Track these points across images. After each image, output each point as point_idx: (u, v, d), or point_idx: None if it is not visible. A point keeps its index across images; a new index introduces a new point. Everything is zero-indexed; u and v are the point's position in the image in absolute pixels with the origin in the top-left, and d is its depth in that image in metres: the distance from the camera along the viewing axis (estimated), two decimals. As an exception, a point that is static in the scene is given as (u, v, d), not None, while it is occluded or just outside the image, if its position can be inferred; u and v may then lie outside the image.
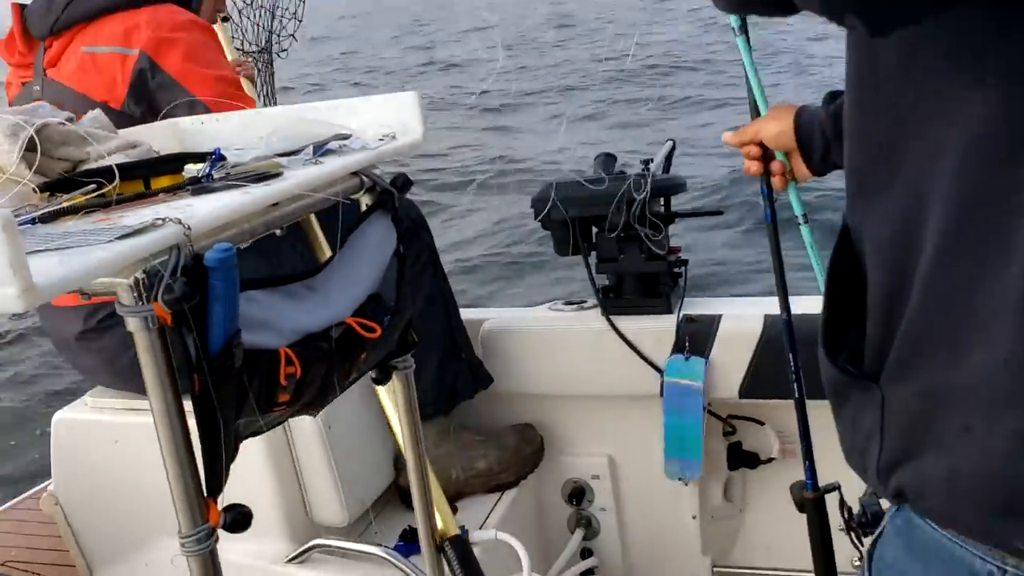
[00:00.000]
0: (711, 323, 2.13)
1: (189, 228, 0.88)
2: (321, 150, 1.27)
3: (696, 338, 2.10)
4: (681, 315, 2.16)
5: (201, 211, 0.94)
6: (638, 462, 2.30)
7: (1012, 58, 0.60)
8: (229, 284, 0.88)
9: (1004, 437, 0.64)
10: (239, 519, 0.92)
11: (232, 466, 0.94)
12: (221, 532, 0.93)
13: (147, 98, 1.82)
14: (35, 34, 1.90)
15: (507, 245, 4.95)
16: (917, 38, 0.65)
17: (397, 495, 2.15)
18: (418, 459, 1.39)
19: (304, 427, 1.90)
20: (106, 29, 1.84)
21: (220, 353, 0.89)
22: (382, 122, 1.40)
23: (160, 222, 0.88)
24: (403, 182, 1.32)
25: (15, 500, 2.77)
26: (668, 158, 2.46)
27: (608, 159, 2.43)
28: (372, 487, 2.07)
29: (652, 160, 2.37)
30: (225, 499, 0.94)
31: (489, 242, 4.82)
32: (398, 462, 2.13)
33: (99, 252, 0.81)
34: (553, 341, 2.26)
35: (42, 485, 2.80)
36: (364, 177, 1.27)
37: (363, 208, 1.27)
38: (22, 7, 1.91)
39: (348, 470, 1.96)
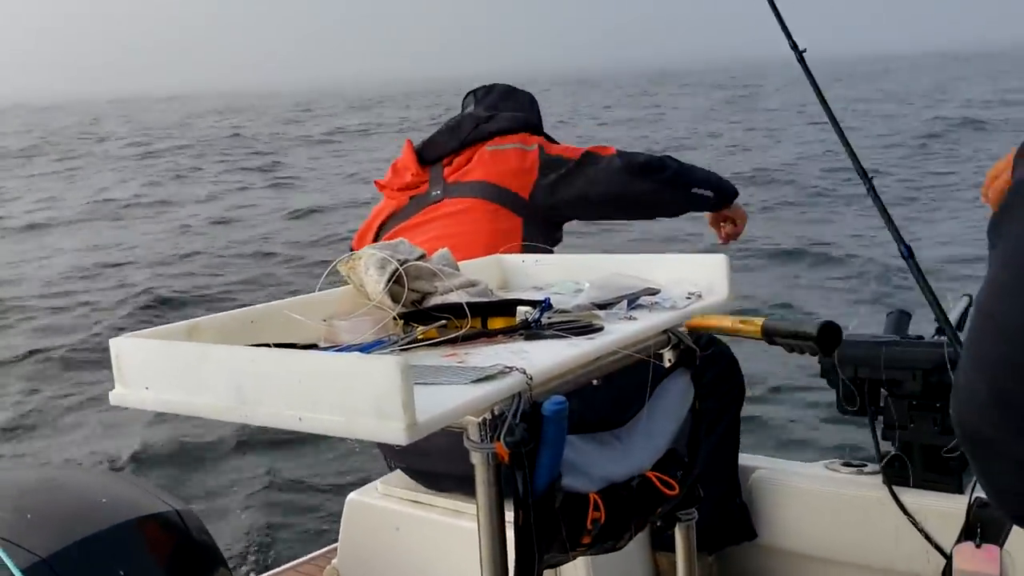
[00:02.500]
0: None
1: (531, 378, 1.00)
2: (633, 304, 1.38)
3: (990, 526, 1.94)
4: (974, 497, 2.01)
5: (538, 361, 1.06)
6: (910, 647, 2.13)
7: None
8: (559, 433, 0.99)
9: None
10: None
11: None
12: None
13: (551, 179, 2.16)
14: (431, 157, 2.26)
15: (776, 391, 4.85)
16: None
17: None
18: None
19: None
20: (503, 140, 2.22)
21: (544, 493, 0.99)
22: (689, 280, 1.49)
23: (507, 370, 1.01)
24: (707, 341, 1.39)
25: (297, 561, 3.05)
26: (964, 316, 2.34)
27: (902, 317, 2.35)
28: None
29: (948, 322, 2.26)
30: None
31: (761, 386, 4.77)
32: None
33: (463, 393, 0.95)
34: (827, 501, 2.18)
35: (320, 551, 3.08)
36: (671, 334, 1.35)
37: (667, 363, 1.35)
38: (415, 145, 2.31)
39: None
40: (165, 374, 1.02)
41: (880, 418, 2.14)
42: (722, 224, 2.43)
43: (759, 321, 1.89)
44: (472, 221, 2.13)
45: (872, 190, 2.14)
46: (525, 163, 2.16)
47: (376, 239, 2.20)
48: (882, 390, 2.17)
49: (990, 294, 0.72)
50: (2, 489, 1.87)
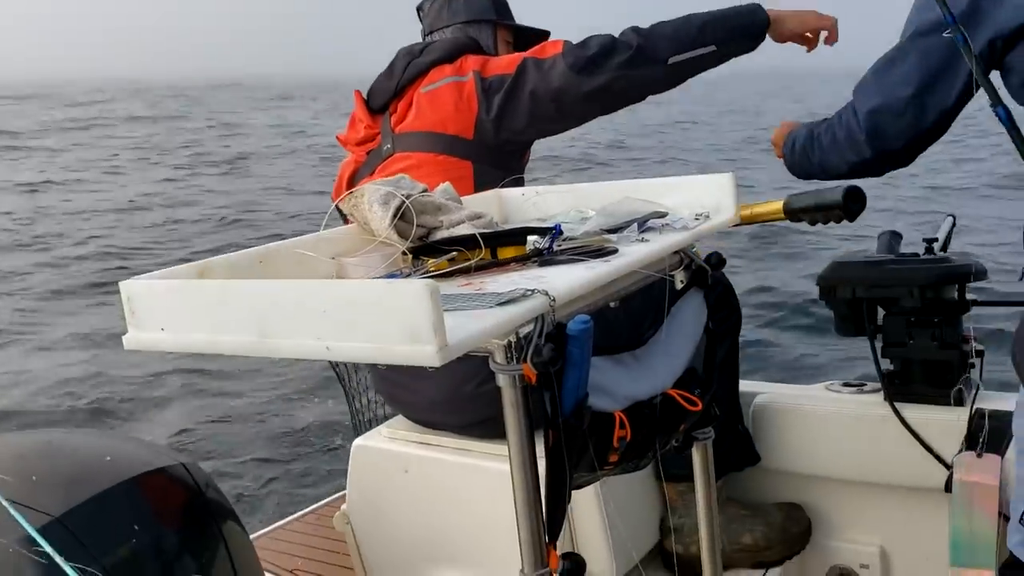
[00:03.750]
0: (1008, 420, 2.00)
1: (554, 300, 0.99)
2: (643, 227, 1.37)
3: (991, 435, 1.98)
4: (974, 409, 2.05)
5: (558, 284, 1.05)
6: (914, 558, 2.19)
7: None
8: (585, 352, 0.99)
9: None
10: (574, 568, 1.01)
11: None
12: None
13: (494, 109, 2.00)
14: (377, 104, 2.18)
15: (779, 315, 4.90)
16: None
17: (659, 558, 2.19)
18: (711, 528, 1.43)
19: (580, 481, 2.00)
20: (438, 74, 2.09)
21: (572, 413, 0.99)
22: (697, 201, 1.48)
23: (529, 292, 1.00)
24: (717, 260, 1.38)
25: (306, 511, 3.07)
26: (949, 235, 2.36)
27: (894, 237, 2.37)
28: (639, 547, 2.12)
29: (936, 239, 2.28)
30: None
31: (761, 313, 4.81)
32: (663, 524, 2.17)
33: (486, 317, 0.94)
34: (829, 422, 2.21)
35: (328, 499, 3.10)
36: (683, 255, 1.35)
37: (679, 284, 1.35)
38: (363, 94, 2.22)
39: (619, 525, 2.02)
40: (182, 314, 1.00)
41: (879, 336, 2.16)
42: (805, 39, 2.05)
43: (780, 203, 1.92)
44: (422, 177, 2.00)
45: None
46: (462, 99, 2.02)
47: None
48: (879, 309, 2.19)
49: None
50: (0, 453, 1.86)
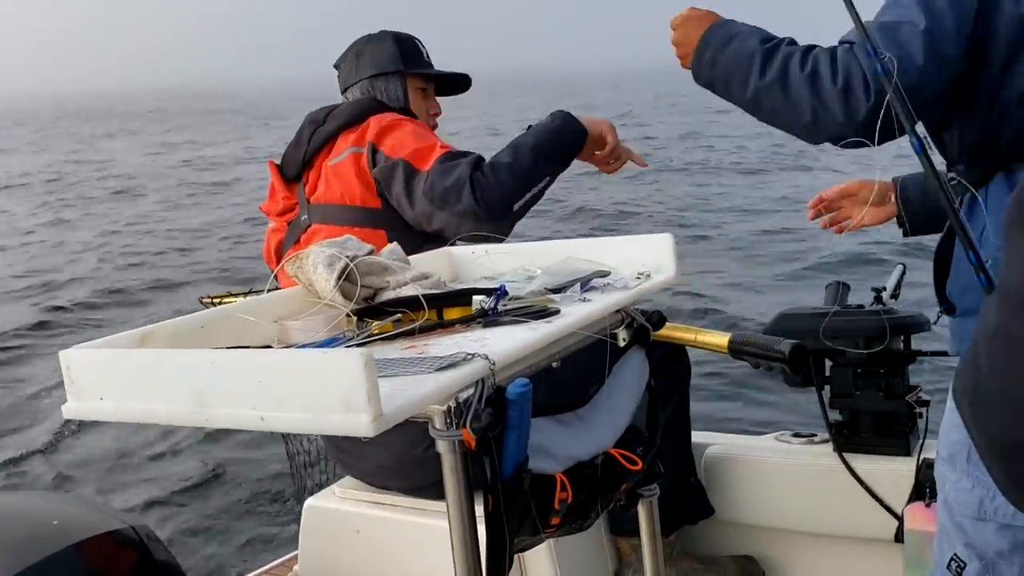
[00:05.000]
0: None
1: (494, 364, 1.00)
2: (586, 287, 1.39)
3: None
4: (921, 459, 2.08)
5: (499, 347, 1.06)
6: (867, 608, 2.20)
7: None
8: (524, 415, 1.00)
9: None
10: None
11: None
12: None
13: (388, 188, 1.99)
14: (291, 175, 2.18)
15: (727, 366, 4.96)
16: None
17: (615, 614, 2.17)
18: (659, 586, 1.43)
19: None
20: (341, 143, 2.10)
21: (512, 477, 0.99)
22: (638, 260, 1.51)
23: (469, 356, 1.01)
24: (658, 319, 1.41)
25: (257, 571, 3.00)
26: (899, 284, 2.41)
27: (841, 287, 2.41)
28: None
29: (884, 289, 2.33)
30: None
31: (710, 364, 4.86)
32: (617, 581, 2.16)
33: (425, 383, 0.95)
34: (780, 473, 2.23)
35: (280, 560, 3.04)
36: (624, 313, 1.37)
37: (621, 343, 1.37)
38: (277, 164, 2.23)
39: None
40: (121, 383, 0.99)
41: (827, 387, 2.20)
42: (605, 164, 2.09)
43: (726, 337, 1.91)
44: None
45: None
46: (361, 171, 2.03)
47: (278, 263, 2.12)
48: (827, 360, 2.23)
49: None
50: None
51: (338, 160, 2.08)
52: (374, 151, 2.02)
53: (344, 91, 2.28)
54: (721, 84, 1.54)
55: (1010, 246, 0.67)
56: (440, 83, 2.32)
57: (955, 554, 1.43)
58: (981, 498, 1.35)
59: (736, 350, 1.88)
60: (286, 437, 2.73)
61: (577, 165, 2.09)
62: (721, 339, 1.91)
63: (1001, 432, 0.67)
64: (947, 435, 1.43)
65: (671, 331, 1.89)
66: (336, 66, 2.33)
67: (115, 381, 1.00)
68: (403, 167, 1.97)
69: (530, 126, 2.04)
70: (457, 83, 2.35)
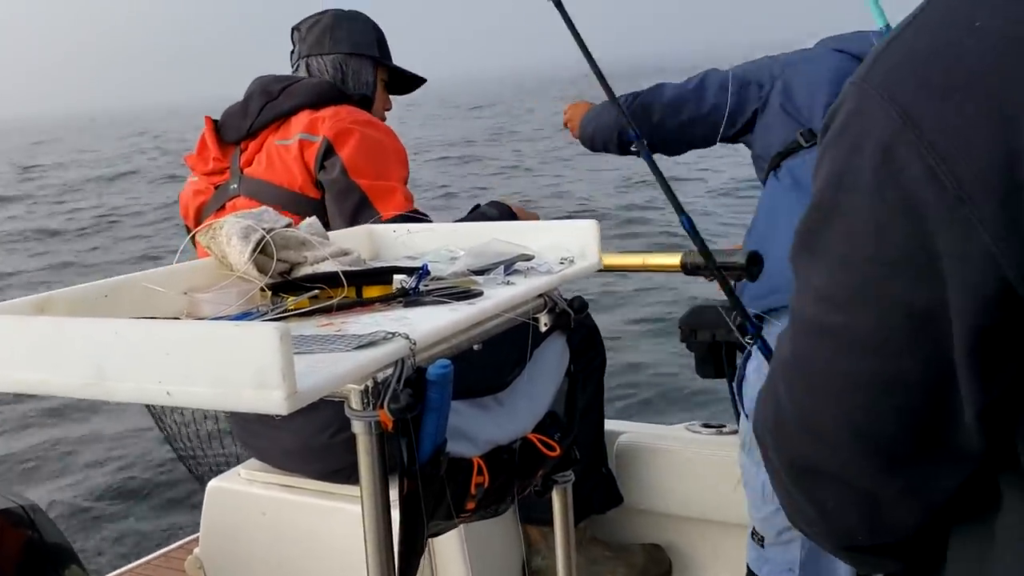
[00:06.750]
0: None
1: (415, 343, 0.98)
2: (510, 270, 1.38)
3: None
4: None
5: (420, 327, 1.04)
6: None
7: None
8: (444, 397, 0.97)
9: None
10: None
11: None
12: None
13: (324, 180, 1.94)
14: (229, 139, 2.07)
15: (640, 360, 5.05)
16: None
17: (523, 600, 2.18)
18: (569, 571, 1.43)
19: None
20: (295, 125, 2.00)
21: (429, 460, 0.97)
22: (562, 246, 1.50)
23: (389, 335, 0.98)
24: (579, 305, 1.40)
25: (155, 554, 2.91)
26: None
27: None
28: (502, 589, 2.11)
29: None
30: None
31: (622, 355, 4.94)
32: (526, 565, 2.17)
33: (342, 361, 0.92)
34: (689, 463, 2.27)
35: (179, 543, 2.95)
36: (547, 298, 1.36)
37: (543, 327, 1.36)
38: (215, 120, 2.11)
39: (482, 567, 2.00)
40: (16, 352, 0.93)
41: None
42: None
43: (677, 256, 1.91)
44: None
45: None
46: (308, 162, 1.95)
47: (197, 225, 2.02)
48: (738, 352, 2.27)
49: (825, 308, 0.64)
50: None
51: (286, 143, 1.98)
52: (328, 151, 1.94)
53: (303, 58, 2.15)
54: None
55: (797, 275, 0.68)
56: (394, 79, 2.26)
57: (754, 528, 1.89)
58: (763, 482, 1.69)
59: (690, 266, 1.88)
60: (156, 415, 2.62)
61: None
62: (672, 259, 1.90)
63: (803, 460, 0.69)
64: (744, 425, 1.89)
65: (619, 259, 1.84)
66: (295, 28, 2.20)
67: (10, 350, 0.94)
68: (360, 199, 1.90)
69: (476, 206, 2.07)
70: (408, 84, 2.31)
